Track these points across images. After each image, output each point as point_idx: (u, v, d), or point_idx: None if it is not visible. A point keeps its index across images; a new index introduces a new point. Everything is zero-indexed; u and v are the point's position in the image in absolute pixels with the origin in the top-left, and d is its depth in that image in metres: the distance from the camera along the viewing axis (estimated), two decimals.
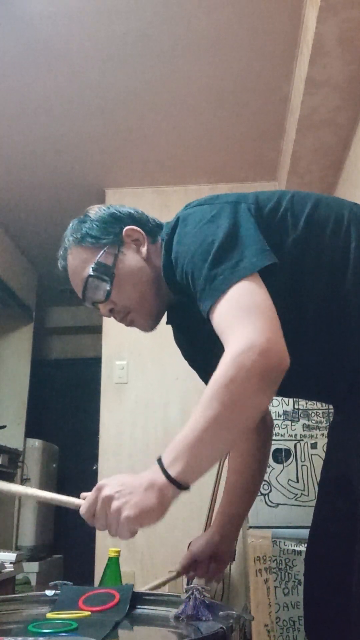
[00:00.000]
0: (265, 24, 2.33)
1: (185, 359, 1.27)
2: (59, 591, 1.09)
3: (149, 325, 1.15)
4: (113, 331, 3.19)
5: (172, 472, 0.83)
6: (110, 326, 3.19)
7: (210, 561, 1.26)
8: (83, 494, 0.91)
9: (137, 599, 1.06)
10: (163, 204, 3.44)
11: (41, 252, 4.23)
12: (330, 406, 1.72)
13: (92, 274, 1.09)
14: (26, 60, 2.51)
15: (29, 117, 2.87)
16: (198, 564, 1.26)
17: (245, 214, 0.98)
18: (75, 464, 4.93)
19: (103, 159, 3.25)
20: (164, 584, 1.24)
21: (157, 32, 2.38)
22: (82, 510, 0.88)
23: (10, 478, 3.97)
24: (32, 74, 2.59)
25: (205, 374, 1.23)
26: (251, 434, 1.28)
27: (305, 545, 1.20)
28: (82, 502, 0.89)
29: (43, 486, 4.21)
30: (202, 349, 1.16)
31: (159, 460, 0.85)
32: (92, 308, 1.15)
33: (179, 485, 0.84)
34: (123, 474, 0.89)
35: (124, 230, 1.12)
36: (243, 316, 0.86)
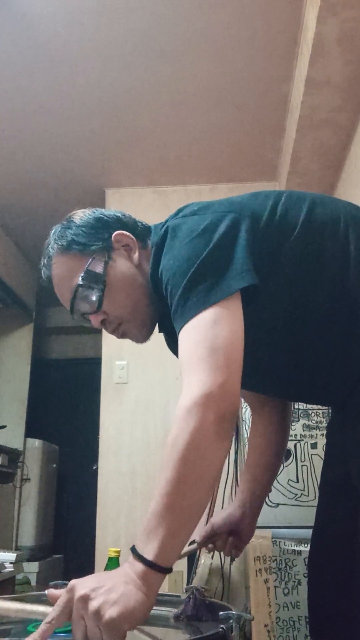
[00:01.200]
0: (265, 24, 2.33)
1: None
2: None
3: (143, 335, 1.10)
4: None
5: (149, 556, 0.74)
6: None
7: (229, 535, 1.24)
8: (50, 592, 0.76)
9: None
10: (163, 204, 3.44)
11: (41, 253, 4.22)
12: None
13: (81, 283, 1.02)
14: (26, 60, 2.51)
15: (29, 117, 2.87)
16: (218, 536, 1.24)
17: (234, 228, 0.94)
18: (75, 464, 4.93)
19: (103, 159, 3.25)
20: (183, 555, 1.23)
21: (157, 32, 2.38)
22: (50, 619, 0.71)
23: (10, 478, 3.98)
24: (32, 74, 2.59)
25: None
26: (272, 413, 1.28)
27: (306, 545, 1.20)
28: (49, 609, 0.74)
29: (43, 486, 4.21)
30: None
31: (133, 548, 0.76)
32: (82, 320, 1.07)
33: (160, 568, 0.74)
34: (97, 574, 0.76)
35: (113, 235, 1.06)
36: (200, 356, 0.83)
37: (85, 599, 0.70)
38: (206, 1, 2.23)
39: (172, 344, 1.20)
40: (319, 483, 1.22)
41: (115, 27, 2.35)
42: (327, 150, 2.69)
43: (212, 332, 0.84)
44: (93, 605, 0.69)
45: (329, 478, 1.18)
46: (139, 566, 0.74)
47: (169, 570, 0.75)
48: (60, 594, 0.73)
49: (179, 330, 0.88)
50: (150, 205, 3.41)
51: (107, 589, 0.71)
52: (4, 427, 3.86)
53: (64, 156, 3.20)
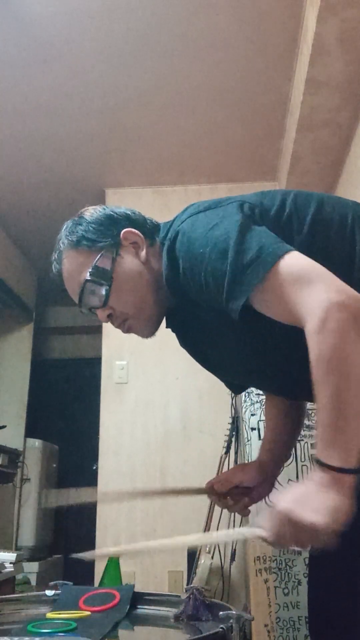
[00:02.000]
0: (265, 24, 2.33)
1: (197, 361, 1.23)
2: (59, 591, 1.09)
3: (148, 331, 1.12)
4: (113, 331, 3.18)
5: (336, 463, 0.80)
6: (111, 326, 3.15)
7: (243, 495, 1.22)
8: (259, 521, 0.87)
9: (138, 599, 1.06)
10: (163, 204, 3.44)
11: (41, 252, 4.22)
12: None
13: (89, 278, 1.05)
14: (26, 60, 2.51)
15: (29, 117, 2.87)
16: (232, 492, 1.21)
17: (250, 214, 0.97)
18: (75, 464, 4.93)
19: (103, 159, 3.25)
20: (186, 492, 1.20)
21: (157, 32, 2.38)
22: (267, 537, 0.82)
23: (10, 478, 3.98)
24: (33, 74, 2.59)
25: (220, 370, 1.22)
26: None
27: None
28: (261, 531, 0.84)
29: (43, 486, 4.21)
30: (208, 348, 1.14)
31: (318, 461, 0.82)
32: (89, 314, 1.11)
33: (349, 470, 0.80)
34: (286, 491, 0.83)
35: (122, 232, 1.08)
36: (302, 286, 0.85)
37: (290, 511, 0.78)
38: (206, 1, 2.23)
39: (185, 341, 1.20)
40: None
41: (115, 27, 2.35)
42: (327, 150, 2.69)
43: (294, 271, 0.86)
44: (306, 520, 0.77)
45: None
46: (331, 473, 0.80)
47: (357, 470, 0.80)
48: (269, 518, 0.81)
49: (243, 302, 0.89)
50: (150, 205, 3.41)
51: (308, 501, 0.79)
52: (4, 427, 3.86)
53: (64, 156, 3.20)
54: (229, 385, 1.30)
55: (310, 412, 2.17)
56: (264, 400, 1.38)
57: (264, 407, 2.32)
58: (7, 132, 2.99)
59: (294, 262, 0.88)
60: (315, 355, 0.82)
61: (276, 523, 0.80)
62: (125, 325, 1.10)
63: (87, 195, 3.48)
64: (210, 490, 1.21)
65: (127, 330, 1.12)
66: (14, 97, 2.73)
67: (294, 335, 1.00)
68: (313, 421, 2.19)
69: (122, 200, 3.45)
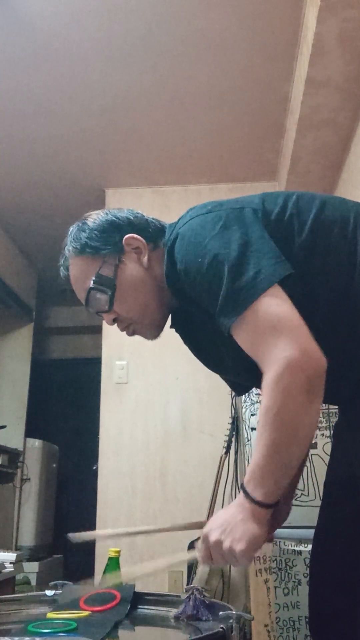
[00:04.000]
0: (265, 24, 2.33)
1: (199, 360, 1.25)
2: (60, 591, 1.09)
3: (152, 334, 1.15)
4: (113, 331, 3.17)
5: (259, 497, 0.89)
6: (111, 326, 3.18)
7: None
8: (197, 545, 0.98)
9: (138, 599, 1.06)
10: (163, 204, 3.44)
11: (41, 252, 4.23)
12: (330, 406, 1.72)
13: (92, 286, 1.08)
14: (26, 60, 2.51)
15: (29, 117, 2.87)
16: None
17: (252, 221, 0.97)
18: (75, 464, 4.93)
19: (103, 159, 3.25)
20: (188, 527, 1.25)
21: (157, 32, 2.37)
22: (200, 559, 0.96)
23: (10, 478, 3.98)
24: (32, 74, 2.59)
25: (221, 369, 1.23)
26: None
27: (306, 545, 1.20)
28: (196, 554, 0.97)
29: (43, 486, 4.21)
30: (210, 349, 1.15)
31: (244, 490, 0.91)
32: (97, 315, 1.15)
33: (268, 505, 0.91)
34: (220, 513, 0.95)
35: (124, 239, 1.10)
36: (272, 335, 0.88)
37: (219, 543, 0.90)
38: (206, 1, 2.23)
39: (189, 341, 1.21)
40: (319, 483, 1.22)
41: (115, 27, 2.35)
42: (327, 150, 2.69)
43: (273, 314, 0.90)
44: (225, 545, 0.90)
45: (334, 478, 1.17)
46: (252, 506, 0.90)
47: (275, 504, 0.92)
48: (201, 546, 0.94)
49: (231, 325, 0.93)
50: (150, 205, 3.41)
51: (231, 529, 0.90)
52: (4, 427, 3.86)
53: (64, 156, 3.20)
54: (232, 386, 1.31)
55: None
56: None
57: None
58: (7, 132, 2.99)
59: (273, 307, 0.90)
60: (264, 405, 0.88)
61: (206, 547, 0.93)
62: (130, 329, 1.13)
63: (87, 195, 3.49)
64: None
65: (132, 333, 1.15)
66: (14, 97, 2.73)
67: None
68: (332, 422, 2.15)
69: (122, 200, 3.45)
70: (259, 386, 1.24)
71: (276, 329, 0.88)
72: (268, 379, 0.87)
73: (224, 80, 2.65)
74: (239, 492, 0.94)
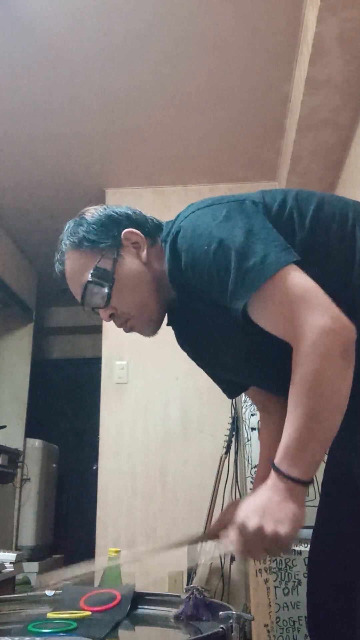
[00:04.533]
0: (265, 24, 2.33)
1: (192, 359, 1.24)
2: (60, 591, 1.09)
3: (150, 330, 1.13)
4: (113, 331, 3.19)
5: (296, 474, 0.85)
6: (111, 326, 3.16)
7: None
8: (225, 535, 0.90)
9: (139, 599, 1.06)
10: (163, 204, 3.44)
11: (41, 252, 4.22)
12: None
13: (90, 280, 1.06)
14: (26, 60, 2.51)
15: (29, 117, 2.87)
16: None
17: (255, 211, 0.98)
18: (75, 464, 4.93)
19: (103, 159, 3.25)
20: (185, 543, 1.18)
21: (157, 32, 2.37)
22: (235, 552, 0.88)
23: (10, 478, 3.98)
24: (32, 74, 2.59)
25: (212, 369, 1.23)
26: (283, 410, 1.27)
27: (306, 545, 1.20)
28: (229, 546, 0.88)
29: (43, 486, 4.21)
30: (207, 347, 1.14)
31: (278, 471, 0.87)
32: (92, 313, 1.12)
33: (305, 482, 0.86)
34: (249, 500, 0.88)
35: (123, 233, 1.08)
36: (301, 305, 0.87)
37: (261, 528, 0.83)
38: (206, 2, 2.23)
39: (184, 338, 1.20)
40: (319, 483, 1.22)
41: (115, 27, 2.35)
42: (327, 150, 2.69)
43: (293, 287, 0.88)
44: (269, 530, 0.83)
45: (332, 477, 1.17)
46: (288, 485, 0.85)
47: (311, 482, 0.87)
48: (234, 536, 0.86)
49: (244, 305, 0.91)
50: (150, 205, 3.41)
51: (271, 512, 0.84)
52: (4, 427, 3.86)
53: (64, 156, 3.20)
54: (225, 387, 1.29)
55: None
56: (259, 420, 1.37)
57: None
58: (7, 132, 2.99)
59: (296, 279, 0.89)
60: (298, 375, 0.86)
61: (243, 537, 0.85)
62: (127, 324, 1.11)
63: (87, 195, 3.48)
64: (214, 534, 1.17)
65: (129, 329, 1.13)
66: (14, 97, 2.73)
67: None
68: None
69: (122, 200, 3.45)
70: (254, 383, 1.23)
71: (305, 299, 0.87)
72: (304, 346, 0.86)
73: (224, 80, 2.65)
74: (238, 492, 0.91)
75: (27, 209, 3.72)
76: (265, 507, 0.85)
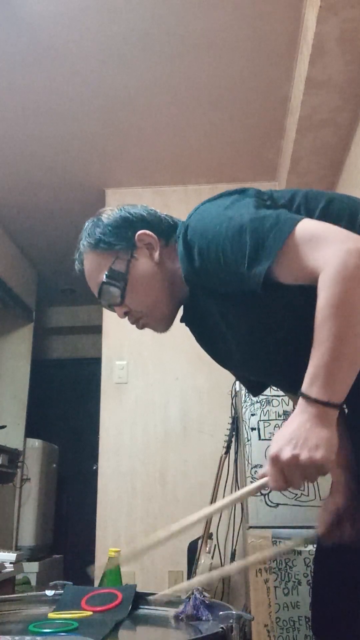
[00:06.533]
0: (265, 24, 2.33)
1: (208, 354, 1.25)
2: (60, 591, 1.09)
3: (162, 327, 1.17)
4: (113, 331, 3.19)
5: (326, 397, 0.84)
6: (110, 326, 3.19)
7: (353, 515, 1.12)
8: (260, 472, 0.90)
9: (140, 599, 1.06)
10: (163, 204, 3.44)
11: (41, 252, 4.22)
12: None
13: (105, 280, 1.11)
14: (26, 60, 2.51)
15: (29, 117, 2.87)
16: (343, 521, 1.11)
17: (259, 194, 1.02)
18: (75, 464, 4.93)
19: (103, 159, 3.25)
20: (291, 547, 1.12)
21: (157, 32, 2.38)
22: (272, 486, 0.86)
23: (10, 478, 3.98)
24: (32, 74, 2.59)
25: (230, 366, 1.23)
26: None
27: (306, 545, 1.20)
28: (266, 480, 0.87)
29: (43, 486, 4.21)
30: (220, 343, 1.15)
31: (306, 396, 0.85)
32: (109, 309, 1.17)
33: (336, 404, 0.85)
34: (281, 430, 0.86)
35: (137, 235, 1.12)
36: (322, 243, 0.88)
37: (296, 457, 0.82)
38: (206, 1, 2.23)
39: (199, 334, 1.21)
40: (319, 483, 1.21)
41: (115, 27, 2.35)
42: (327, 150, 2.69)
43: (311, 229, 0.91)
44: (304, 457, 0.81)
45: None
46: (319, 409, 0.84)
47: (342, 405, 0.85)
48: (270, 469, 0.84)
49: (267, 267, 0.91)
50: (150, 206, 3.40)
51: (303, 440, 0.82)
52: (4, 427, 3.86)
53: (64, 156, 3.20)
54: (248, 386, 1.31)
55: None
56: (264, 400, 1.37)
57: (263, 407, 2.31)
58: (7, 132, 2.99)
59: (314, 224, 0.92)
60: (324, 299, 0.85)
61: (279, 468, 0.83)
62: (140, 322, 1.15)
63: (87, 195, 3.48)
64: (328, 534, 1.11)
65: (142, 327, 1.17)
66: (14, 97, 2.73)
67: (285, 330, 1.01)
68: None
69: (122, 200, 3.45)
70: (266, 378, 1.23)
71: (322, 237, 0.89)
72: (326, 273, 0.86)
73: (224, 80, 2.65)
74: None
75: (27, 209, 3.72)
76: (297, 435, 0.83)
